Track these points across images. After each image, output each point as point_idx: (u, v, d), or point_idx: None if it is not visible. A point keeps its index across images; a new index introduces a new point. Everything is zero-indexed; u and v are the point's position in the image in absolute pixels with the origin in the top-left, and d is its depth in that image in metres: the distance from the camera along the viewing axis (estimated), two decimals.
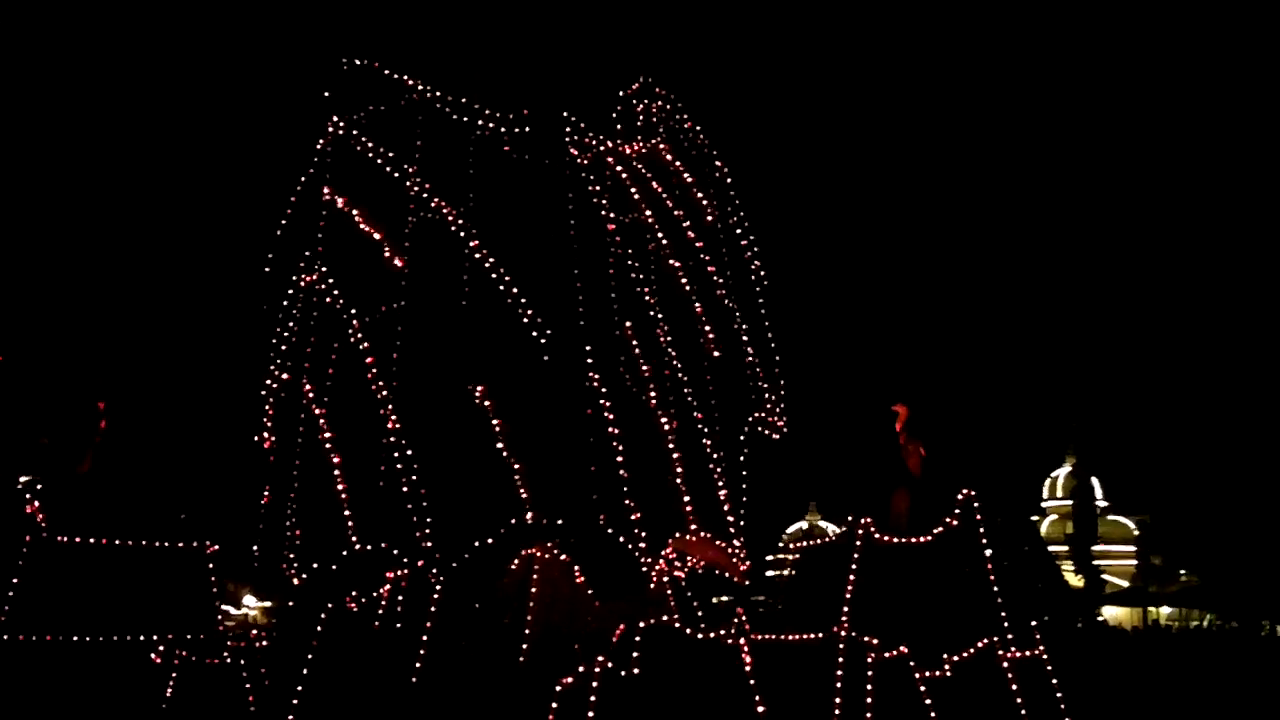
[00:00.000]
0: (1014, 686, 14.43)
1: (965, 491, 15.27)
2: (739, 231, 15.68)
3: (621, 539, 13.57)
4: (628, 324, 14.21)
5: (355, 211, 14.27)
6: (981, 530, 15.10)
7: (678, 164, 15.61)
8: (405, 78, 14.70)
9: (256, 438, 14.41)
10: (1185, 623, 52.60)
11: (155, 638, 14.34)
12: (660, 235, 14.80)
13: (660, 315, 14.49)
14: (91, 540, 14.67)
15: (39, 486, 14.66)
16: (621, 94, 15.88)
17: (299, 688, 13.56)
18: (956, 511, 15.17)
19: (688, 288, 14.86)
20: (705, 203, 15.55)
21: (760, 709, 12.43)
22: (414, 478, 13.43)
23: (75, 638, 14.31)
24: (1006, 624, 14.95)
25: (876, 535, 14.65)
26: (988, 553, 15.18)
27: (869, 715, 13.42)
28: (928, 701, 13.82)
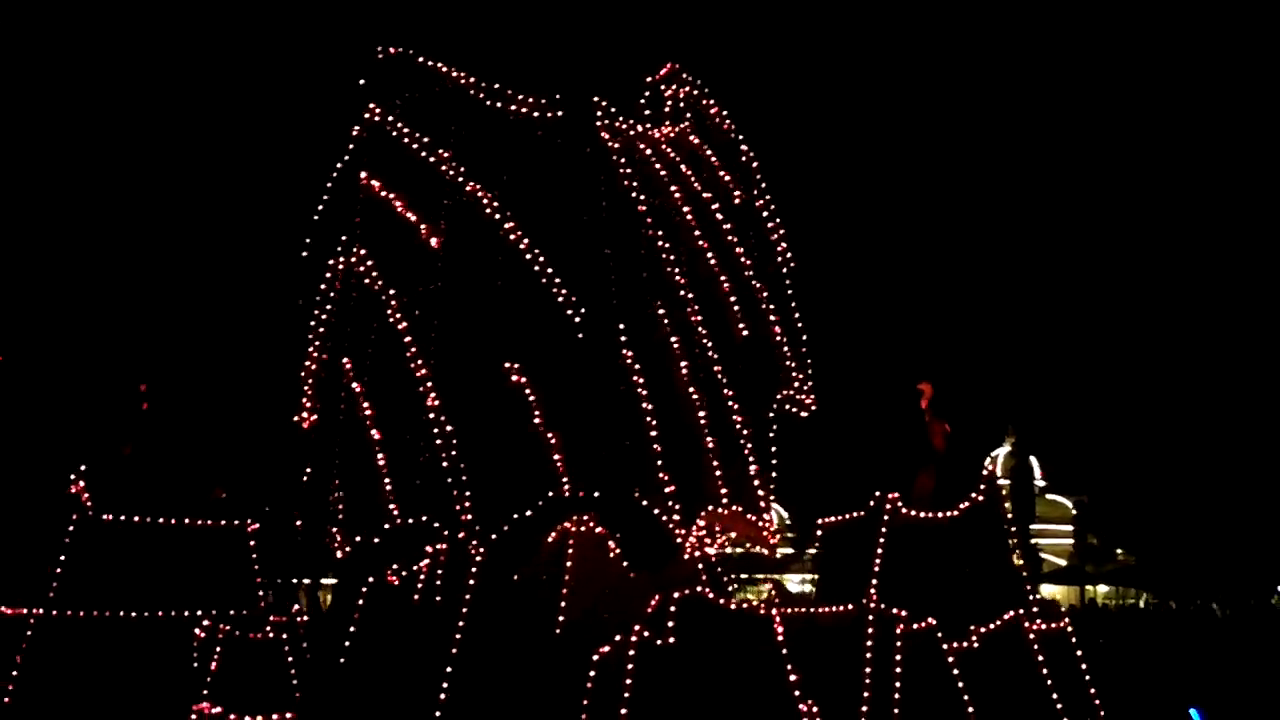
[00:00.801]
0: (1040, 658, 14.73)
1: (989, 468, 15.58)
2: (765, 214, 15.97)
3: (655, 513, 13.89)
4: (658, 303, 14.52)
5: (392, 196, 14.59)
6: (1005, 506, 15.43)
7: (705, 148, 15.91)
8: (439, 64, 15.01)
9: (296, 417, 14.73)
10: (1122, 601, 52.91)
11: (199, 613, 14.69)
12: (689, 217, 15.10)
13: (690, 295, 14.78)
14: (135, 519, 15.03)
15: (83, 467, 14.99)
16: (650, 80, 16.19)
17: (341, 661, 13.89)
18: (981, 487, 15.48)
19: (716, 268, 15.15)
20: (732, 185, 15.84)
21: (792, 678, 12.71)
22: (453, 454, 13.75)
23: (121, 614, 14.68)
24: (1032, 597, 15.27)
25: (903, 511, 14.97)
26: (1011, 528, 15.51)
27: (897, 685, 13.73)
28: (955, 672, 14.12)
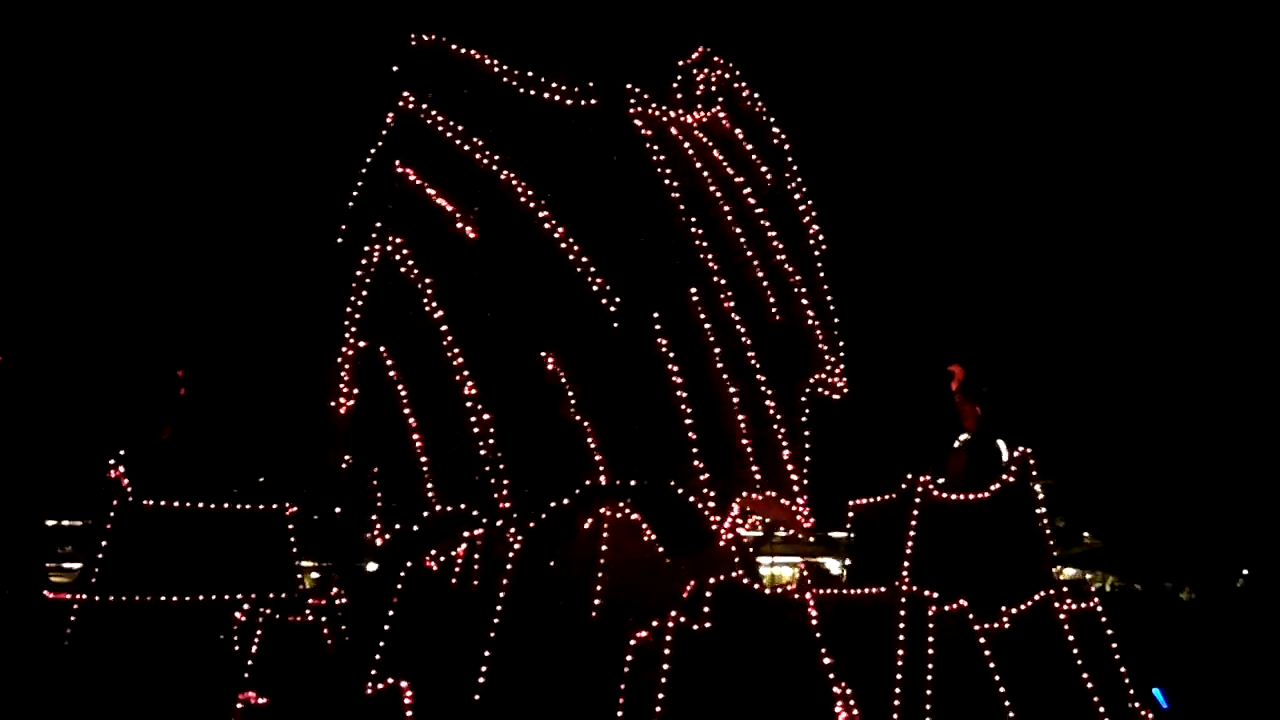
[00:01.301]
0: (1070, 638, 14.87)
1: (1021, 449, 15.67)
2: (797, 197, 16.02)
3: (690, 499, 14.04)
4: (692, 290, 14.61)
5: (427, 184, 14.68)
6: (1037, 487, 15.52)
7: (737, 131, 15.95)
8: (472, 52, 15.06)
9: (331, 403, 14.88)
10: (1088, 584, 53.01)
11: (238, 597, 14.88)
12: (721, 203, 15.17)
13: (722, 280, 14.87)
14: (175, 504, 15.23)
15: (123, 453, 15.17)
16: (681, 64, 16.22)
17: (380, 644, 14.08)
18: (1012, 469, 15.59)
19: (748, 253, 15.23)
20: (764, 169, 15.89)
21: (825, 660, 12.86)
22: (489, 441, 13.91)
23: (162, 598, 14.89)
24: (1061, 578, 15.39)
25: (934, 493, 15.08)
26: (1042, 510, 15.61)
27: (930, 666, 13.89)
28: (987, 653, 14.27)
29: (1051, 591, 15.08)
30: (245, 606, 14.60)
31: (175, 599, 14.90)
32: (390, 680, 12.72)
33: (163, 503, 15.13)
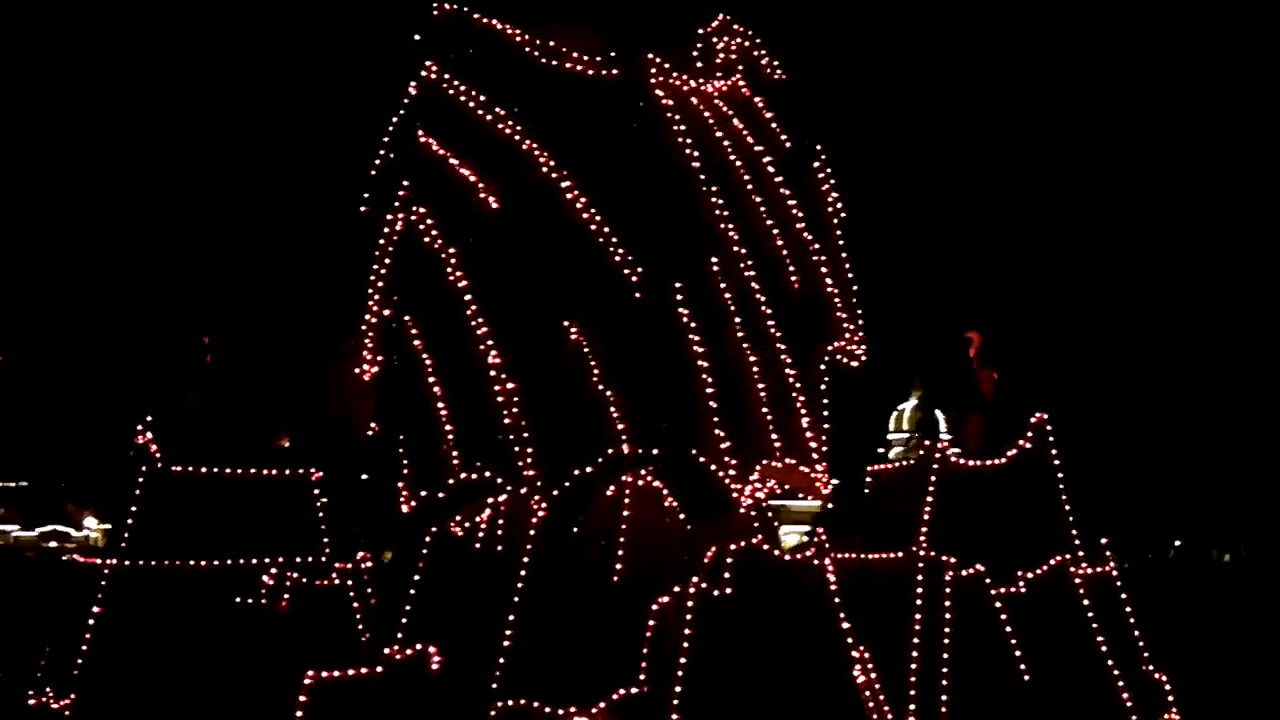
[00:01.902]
0: (1085, 602, 15.07)
1: (1038, 415, 15.80)
2: (816, 165, 16.09)
3: (710, 467, 14.22)
4: (712, 259, 14.72)
5: (449, 154, 14.78)
6: (1054, 452, 15.67)
7: (757, 100, 16.00)
8: (493, 21, 15.12)
9: (357, 370, 15.05)
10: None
11: (266, 561, 15.08)
12: (741, 171, 15.25)
13: (743, 249, 14.97)
14: (203, 470, 15.41)
15: (150, 419, 15.34)
16: (700, 31, 16.25)
17: (406, 608, 14.33)
18: (1028, 435, 15.73)
19: (768, 222, 15.32)
20: (784, 138, 15.95)
21: (844, 625, 13.06)
22: (514, 410, 14.08)
23: (191, 563, 15.10)
24: (1078, 542, 15.58)
25: (951, 458, 15.25)
26: (1059, 474, 15.77)
27: (947, 630, 14.11)
28: (1003, 617, 14.48)
29: (1068, 556, 15.26)
30: (273, 570, 14.80)
31: (203, 563, 15.09)
32: (417, 644, 12.95)
33: (191, 468, 15.30)
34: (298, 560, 15.12)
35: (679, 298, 14.36)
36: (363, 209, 15.18)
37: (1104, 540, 15.80)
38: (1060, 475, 15.69)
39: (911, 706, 13.73)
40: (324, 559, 15.25)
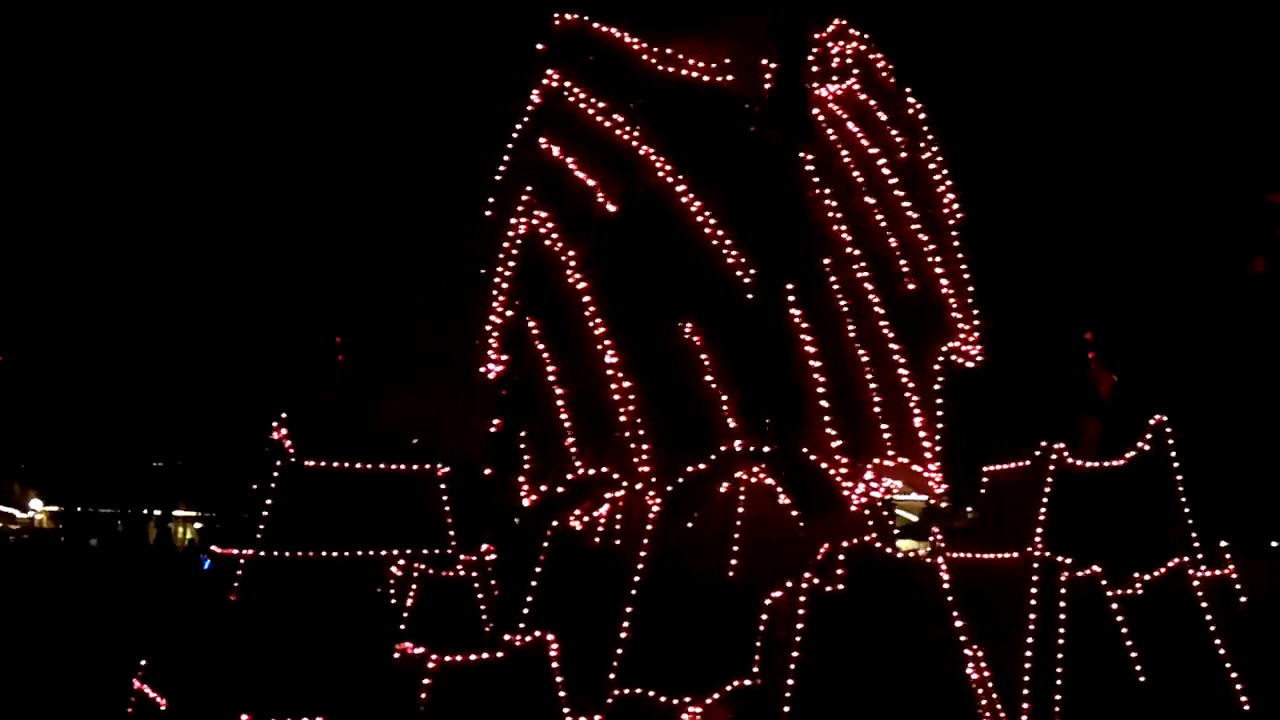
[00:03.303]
0: (1204, 605, 14.92)
1: (1157, 418, 15.68)
2: (932, 167, 16.19)
3: (822, 465, 14.44)
4: (825, 261, 14.95)
5: (571, 160, 15.23)
6: (1173, 455, 15.53)
7: (871, 102, 16.16)
8: (611, 29, 15.53)
9: (482, 369, 15.56)
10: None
11: (395, 553, 15.60)
12: (856, 176, 15.45)
13: (857, 252, 15.17)
14: (335, 464, 15.95)
15: (285, 415, 15.92)
16: (817, 37, 16.43)
17: (527, 598, 14.74)
18: (1148, 436, 15.62)
19: (882, 224, 15.50)
20: (899, 140, 16.09)
21: (958, 624, 13.15)
22: (631, 407, 14.46)
23: (323, 554, 15.64)
24: (1197, 545, 15.43)
25: (1068, 460, 15.21)
26: (1178, 477, 15.62)
27: (1062, 632, 14.10)
28: (1119, 619, 14.42)
29: (1186, 559, 15.13)
30: (401, 562, 15.30)
31: (335, 555, 15.59)
32: (537, 633, 13.31)
33: (323, 463, 15.83)
34: (425, 552, 15.57)
35: (791, 298, 14.60)
36: (487, 214, 15.68)
37: (1223, 543, 15.60)
38: (1179, 478, 15.54)
39: (1025, 707, 13.75)
40: (450, 551, 15.69)
